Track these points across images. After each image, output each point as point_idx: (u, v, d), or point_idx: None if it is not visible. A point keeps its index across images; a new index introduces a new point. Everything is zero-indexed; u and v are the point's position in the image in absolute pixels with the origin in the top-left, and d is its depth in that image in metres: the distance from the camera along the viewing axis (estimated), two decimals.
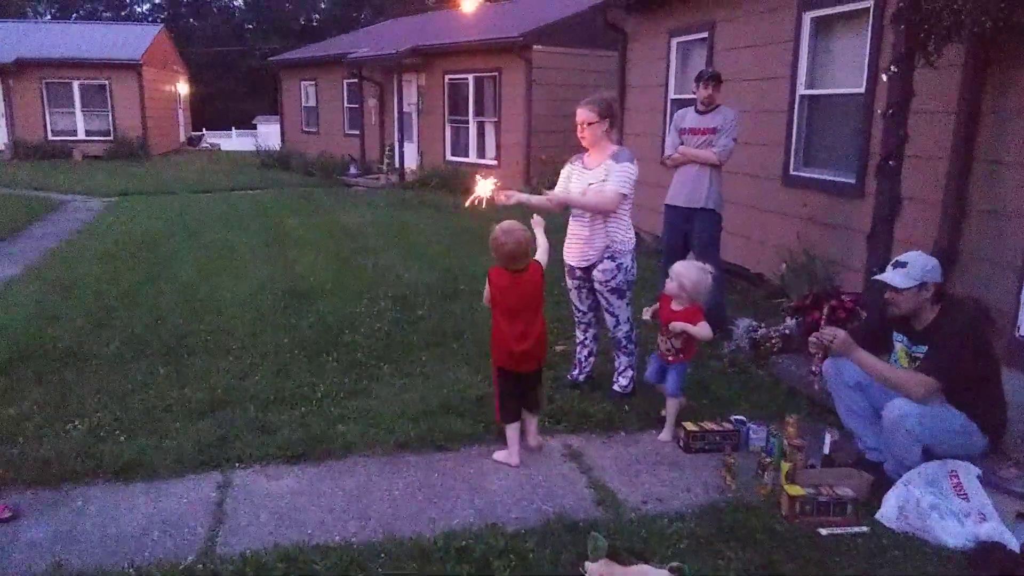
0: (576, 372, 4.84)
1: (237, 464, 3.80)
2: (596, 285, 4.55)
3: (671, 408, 4.23)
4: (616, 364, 4.74)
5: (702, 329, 4.11)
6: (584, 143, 4.48)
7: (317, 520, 3.32)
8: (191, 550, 3.07)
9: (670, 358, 4.23)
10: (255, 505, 3.44)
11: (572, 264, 4.59)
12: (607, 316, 4.63)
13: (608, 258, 4.45)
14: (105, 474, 3.66)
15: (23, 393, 4.60)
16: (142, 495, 3.51)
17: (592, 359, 4.86)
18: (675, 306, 4.20)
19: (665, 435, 4.20)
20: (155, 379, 4.86)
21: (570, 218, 4.62)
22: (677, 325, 4.12)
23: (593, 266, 4.49)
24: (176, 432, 4.10)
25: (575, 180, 4.53)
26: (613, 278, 4.48)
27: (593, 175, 4.43)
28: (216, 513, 3.36)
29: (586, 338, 4.82)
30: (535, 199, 4.48)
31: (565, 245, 4.64)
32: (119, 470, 3.68)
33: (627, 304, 4.60)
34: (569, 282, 4.70)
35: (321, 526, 3.27)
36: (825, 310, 4.07)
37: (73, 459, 3.74)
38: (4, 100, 23.97)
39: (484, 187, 4.24)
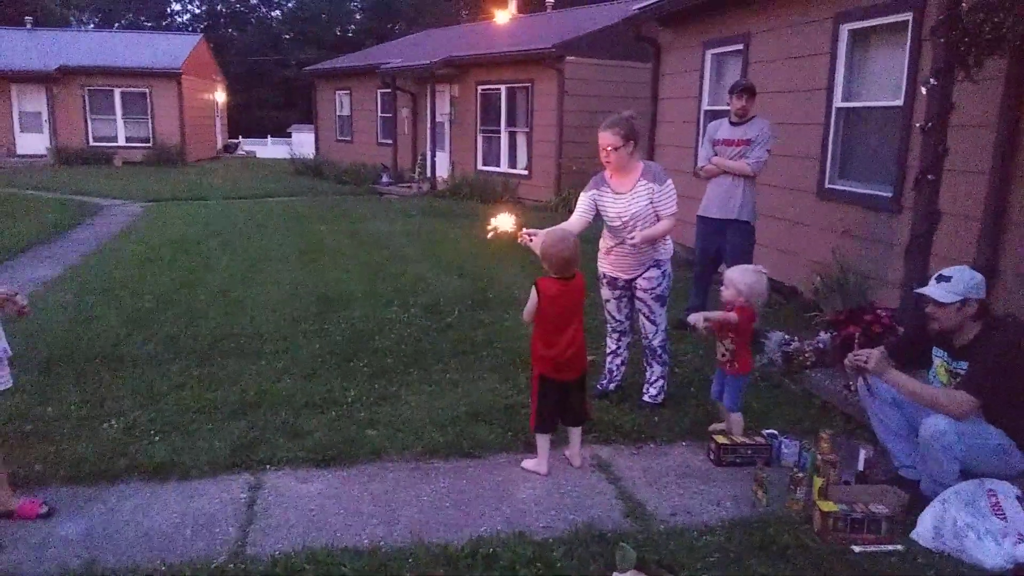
0: (606, 382, 4.82)
1: (268, 466, 3.84)
2: (639, 293, 4.55)
3: (735, 423, 4.18)
4: (648, 374, 4.72)
5: (729, 314, 4.08)
6: (609, 168, 4.43)
7: (346, 523, 3.34)
8: (222, 550, 3.10)
9: (726, 366, 4.20)
10: (285, 507, 3.47)
11: (617, 276, 4.58)
12: (646, 324, 4.62)
13: (654, 266, 4.48)
14: (139, 473, 3.72)
15: (61, 392, 4.69)
16: (175, 494, 3.56)
17: (624, 368, 4.84)
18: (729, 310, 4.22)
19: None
20: (189, 381, 4.93)
21: (606, 232, 4.60)
22: (712, 315, 4.14)
23: (637, 275, 4.51)
24: (209, 433, 4.16)
25: (612, 206, 4.44)
26: (658, 285, 4.52)
27: (636, 199, 4.37)
28: (247, 514, 3.40)
29: (619, 347, 4.81)
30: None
31: (608, 259, 4.62)
32: (153, 469, 3.74)
33: (666, 312, 4.59)
34: (607, 292, 4.69)
35: (349, 529, 3.29)
36: (858, 335, 3.99)
37: (108, 458, 3.81)
38: (48, 107, 24.57)
39: (505, 222, 4.23)
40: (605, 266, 4.66)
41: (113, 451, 3.88)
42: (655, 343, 4.64)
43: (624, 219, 4.40)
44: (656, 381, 4.69)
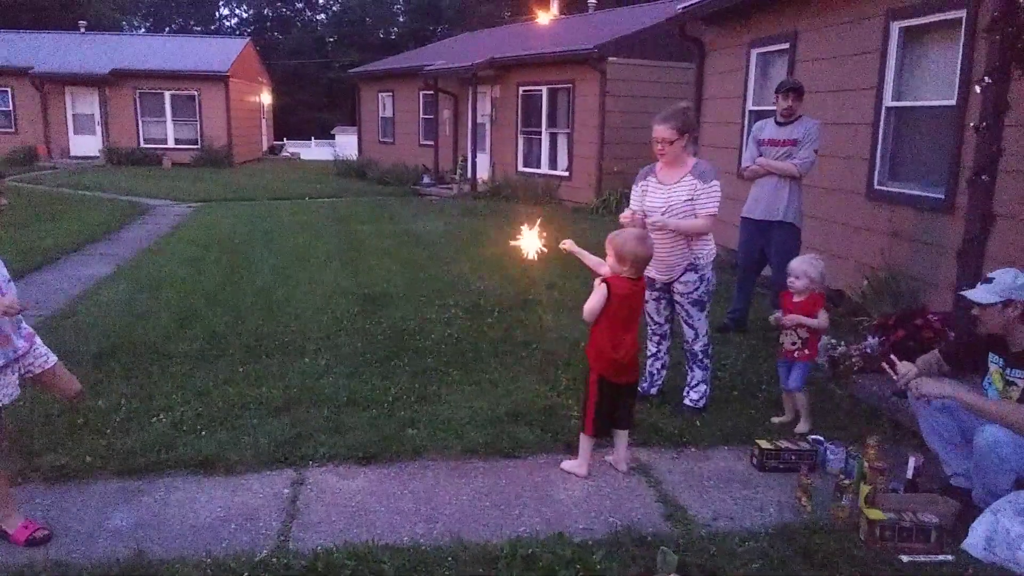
0: (647, 385, 4.77)
1: (310, 462, 3.88)
2: (677, 297, 4.51)
3: (801, 402, 4.41)
4: (688, 378, 4.66)
5: (820, 320, 4.33)
6: (663, 160, 4.40)
7: (386, 520, 3.36)
8: (265, 544, 3.15)
9: (795, 353, 4.38)
10: (327, 503, 3.51)
11: (654, 277, 4.52)
12: (686, 328, 4.57)
13: (691, 270, 4.41)
14: (186, 466, 3.79)
15: (111, 386, 4.81)
16: (220, 488, 3.62)
17: (664, 372, 4.80)
18: (797, 299, 4.39)
19: (803, 426, 4.37)
20: (234, 377, 5.02)
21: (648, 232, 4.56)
22: (793, 318, 4.34)
23: (675, 278, 4.45)
24: (253, 428, 4.22)
25: (653, 195, 4.45)
26: (695, 290, 4.45)
27: (675, 192, 4.35)
28: (289, 509, 3.45)
29: (659, 351, 4.76)
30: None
31: None
32: (199, 463, 3.81)
33: (706, 316, 4.55)
34: (647, 294, 4.65)
35: (390, 526, 3.31)
36: (890, 356, 3.84)
37: (156, 451, 3.90)
38: (100, 109, 25.27)
39: (531, 240, 4.13)
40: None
41: (161, 445, 3.96)
42: (696, 348, 4.59)
43: (661, 211, 4.36)
44: (697, 385, 4.63)
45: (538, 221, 4.16)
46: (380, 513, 3.43)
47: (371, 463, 3.90)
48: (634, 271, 3.73)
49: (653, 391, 4.76)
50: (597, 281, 3.84)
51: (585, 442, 3.83)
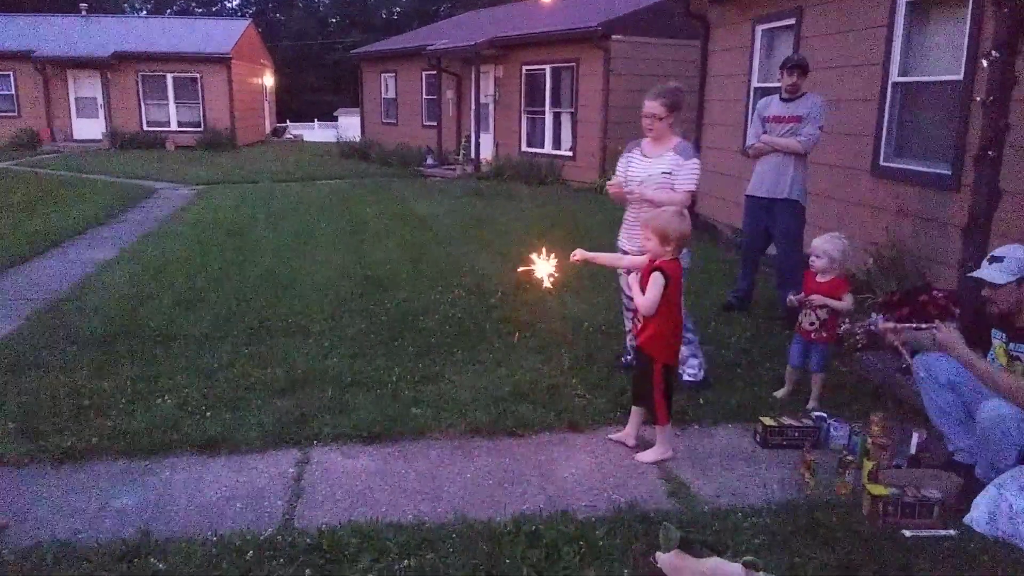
0: (630, 358, 4.78)
1: (315, 442, 3.90)
2: (602, 263, 4.50)
3: (817, 382, 4.44)
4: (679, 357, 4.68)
5: (845, 302, 4.33)
6: (651, 135, 4.52)
7: (390, 499, 3.38)
8: (271, 522, 3.16)
9: (812, 335, 4.39)
10: (331, 482, 3.52)
11: (627, 249, 4.56)
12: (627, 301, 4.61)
13: None
14: (191, 447, 3.80)
15: (117, 368, 4.83)
16: (225, 468, 3.64)
17: None
18: (820, 279, 4.40)
19: (812, 403, 4.39)
20: (239, 358, 5.03)
21: (627, 206, 4.63)
22: (817, 298, 4.33)
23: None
24: (258, 409, 4.24)
25: (636, 167, 4.55)
26: None
27: (656, 164, 4.45)
28: (294, 488, 3.46)
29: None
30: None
31: (622, 231, 4.68)
32: (204, 444, 3.82)
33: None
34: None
35: (394, 505, 3.33)
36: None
37: (161, 432, 3.91)
38: (103, 92, 25.21)
39: (543, 267, 3.99)
40: (621, 238, 4.68)
41: (166, 426, 3.98)
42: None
43: (640, 180, 4.47)
44: (688, 360, 4.65)
45: (544, 250, 4.02)
46: (384, 492, 3.45)
47: (375, 442, 3.91)
48: (678, 249, 3.69)
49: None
50: (633, 276, 3.78)
51: (663, 430, 3.77)
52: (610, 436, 3.99)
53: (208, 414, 4.16)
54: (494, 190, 14.68)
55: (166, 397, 4.36)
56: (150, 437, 3.86)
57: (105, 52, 24.61)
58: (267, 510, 3.27)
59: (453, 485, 3.52)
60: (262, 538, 2.99)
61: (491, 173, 17.02)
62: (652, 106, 4.42)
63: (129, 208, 12.16)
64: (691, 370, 4.65)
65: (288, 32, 48.04)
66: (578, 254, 4.03)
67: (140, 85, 25.55)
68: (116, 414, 4.14)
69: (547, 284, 4.00)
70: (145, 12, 51.15)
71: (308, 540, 2.97)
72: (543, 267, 3.98)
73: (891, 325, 3.59)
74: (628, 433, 3.93)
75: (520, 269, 4.13)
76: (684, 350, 4.59)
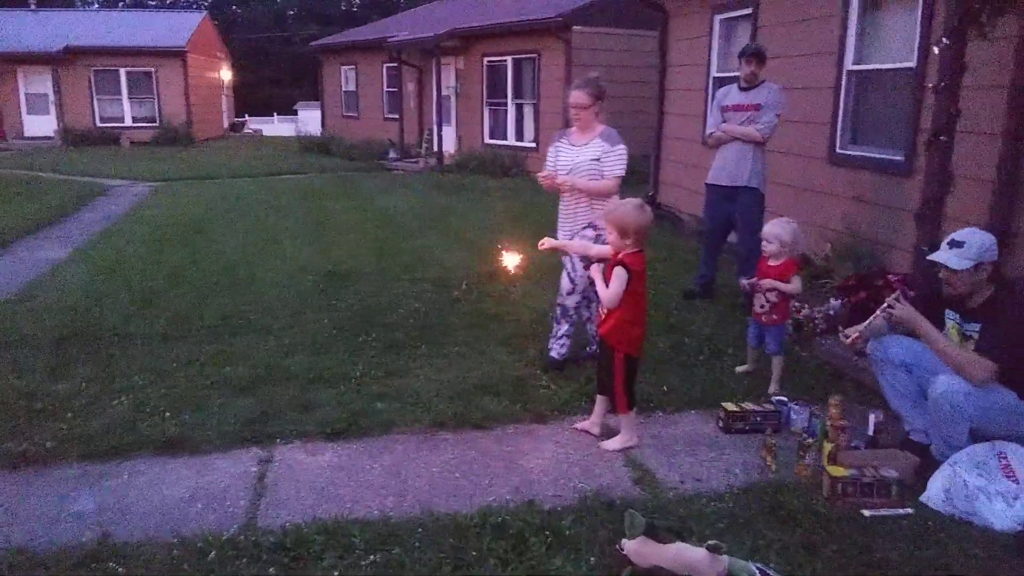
0: (595, 347, 4.84)
1: (278, 440, 3.85)
2: (571, 251, 4.57)
3: (776, 365, 4.49)
4: (555, 330, 4.80)
5: (793, 285, 4.41)
6: (578, 125, 4.61)
7: (355, 495, 3.35)
8: (233, 522, 3.12)
9: (763, 317, 4.48)
10: (295, 480, 3.48)
11: (563, 239, 4.62)
12: (566, 281, 4.68)
13: (590, 227, 4.55)
14: (150, 449, 3.73)
15: (72, 370, 4.71)
16: (186, 469, 3.57)
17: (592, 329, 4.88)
18: (772, 263, 4.49)
19: (773, 387, 4.43)
20: (199, 357, 4.94)
21: (560, 195, 4.71)
22: (767, 282, 4.42)
23: (573, 236, 4.60)
24: (219, 408, 4.17)
25: (564, 156, 4.64)
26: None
27: (583, 152, 4.55)
28: (257, 487, 3.41)
29: (591, 313, 4.83)
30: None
31: (558, 221, 4.77)
32: (164, 445, 3.75)
33: (586, 278, 4.60)
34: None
35: (359, 501, 3.30)
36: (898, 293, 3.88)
37: (119, 434, 3.83)
38: (54, 88, 24.57)
39: (511, 258, 4.39)
40: (558, 228, 4.76)
41: (124, 427, 3.90)
42: (568, 302, 4.71)
43: (568, 168, 4.56)
44: (562, 339, 4.77)
45: (504, 247, 4.42)
46: (349, 488, 3.42)
47: (339, 439, 3.87)
48: (638, 241, 3.67)
49: (590, 351, 4.84)
50: (595, 268, 3.82)
51: (627, 419, 3.80)
52: (575, 425, 4.01)
53: (167, 415, 4.08)
54: (457, 183, 14.62)
55: (123, 398, 4.27)
56: (108, 439, 3.78)
57: (56, 47, 23.97)
58: (230, 510, 3.22)
59: (419, 479, 3.50)
60: (224, 538, 2.95)
61: (454, 166, 16.96)
62: (578, 96, 4.50)
63: (82, 206, 11.87)
64: (563, 349, 4.78)
65: (246, 25, 47.22)
66: (546, 242, 4.16)
67: (93, 80, 24.94)
68: (72, 417, 4.04)
69: (513, 269, 4.29)
70: (97, 5, 49.89)
71: (272, 539, 2.94)
72: (510, 258, 4.28)
73: (856, 335, 3.62)
74: (594, 422, 3.95)
75: (501, 259, 4.40)
76: (564, 328, 4.77)
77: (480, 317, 5.83)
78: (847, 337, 3.65)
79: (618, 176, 4.50)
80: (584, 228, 4.56)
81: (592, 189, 4.50)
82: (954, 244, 3.39)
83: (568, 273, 4.67)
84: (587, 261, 4.52)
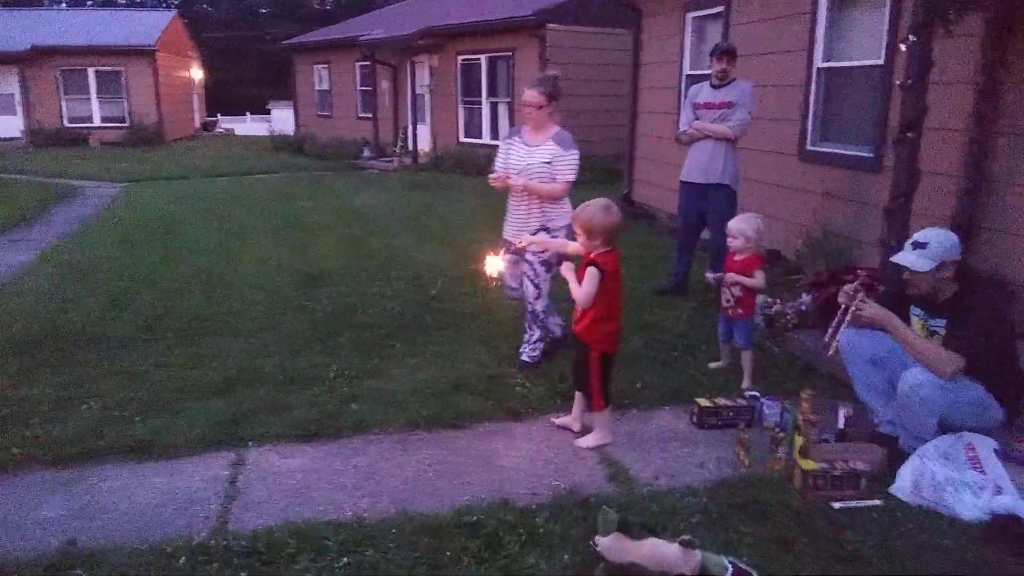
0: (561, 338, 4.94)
1: (250, 443, 3.80)
2: (528, 256, 4.58)
3: (746, 360, 4.52)
4: (527, 336, 4.80)
5: (756, 279, 4.44)
6: (531, 123, 4.58)
7: (329, 497, 3.33)
8: (204, 526, 3.08)
9: (730, 311, 4.52)
10: (268, 482, 3.45)
11: (508, 238, 4.64)
12: (530, 287, 4.67)
13: (542, 230, 4.54)
14: (120, 453, 3.67)
15: (39, 374, 4.63)
16: (156, 473, 3.52)
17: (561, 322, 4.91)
18: (737, 258, 4.52)
19: (746, 382, 4.47)
20: (170, 360, 4.88)
21: (509, 195, 4.70)
22: (731, 277, 4.47)
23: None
24: (190, 412, 4.12)
25: (516, 155, 4.61)
26: (546, 250, 4.52)
27: (535, 153, 4.53)
28: (229, 490, 3.38)
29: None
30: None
31: (505, 221, 4.76)
32: (133, 449, 3.70)
33: (550, 279, 4.65)
34: (504, 256, 4.71)
35: (333, 503, 3.28)
36: (857, 283, 3.93)
37: (88, 439, 3.77)
38: (20, 88, 24.13)
39: (493, 263, 4.20)
40: (506, 228, 4.77)
41: (93, 432, 3.83)
42: (538, 307, 4.70)
43: (519, 169, 4.53)
44: (536, 343, 4.78)
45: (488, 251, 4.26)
46: (323, 490, 3.39)
47: (313, 441, 3.84)
48: (606, 242, 3.65)
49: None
50: (567, 266, 3.80)
51: (601, 416, 3.80)
52: (554, 420, 4.01)
53: (137, 419, 4.02)
54: (433, 181, 14.58)
55: (91, 403, 4.21)
56: (76, 445, 3.71)
57: (22, 46, 23.52)
58: (200, 514, 3.18)
59: (394, 480, 3.49)
60: (195, 543, 2.91)
61: (429, 164, 16.91)
62: (531, 95, 4.47)
63: (51, 208, 11.68)
64: (534, 352, 4.78)
65: (217, 24, 46.68)
66: (525, 240, 4.20)
67: (60, 80, 24.52)
68: (39, 422, 3.97)
69: (495, 275, 4.22)
70: (65, 4, 49.02)
71: (243, 543, 2.91)
72: (492, 263, 4.17)
73: (835, 344, 3.65)
74: (574, 417, 3.96)
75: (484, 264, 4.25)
76: (536, 333, 4.78)
77: (455, 316, 5.82)
78: (827, 348, 3.68)
79: (569, 181, 4.50)
80: (537, 231, 4.53)
81: (544, 192, 4.49)
82: (917, 245, 3.42)
83: (531, 279, 4.64)
84: (509, 258, 4.56)
